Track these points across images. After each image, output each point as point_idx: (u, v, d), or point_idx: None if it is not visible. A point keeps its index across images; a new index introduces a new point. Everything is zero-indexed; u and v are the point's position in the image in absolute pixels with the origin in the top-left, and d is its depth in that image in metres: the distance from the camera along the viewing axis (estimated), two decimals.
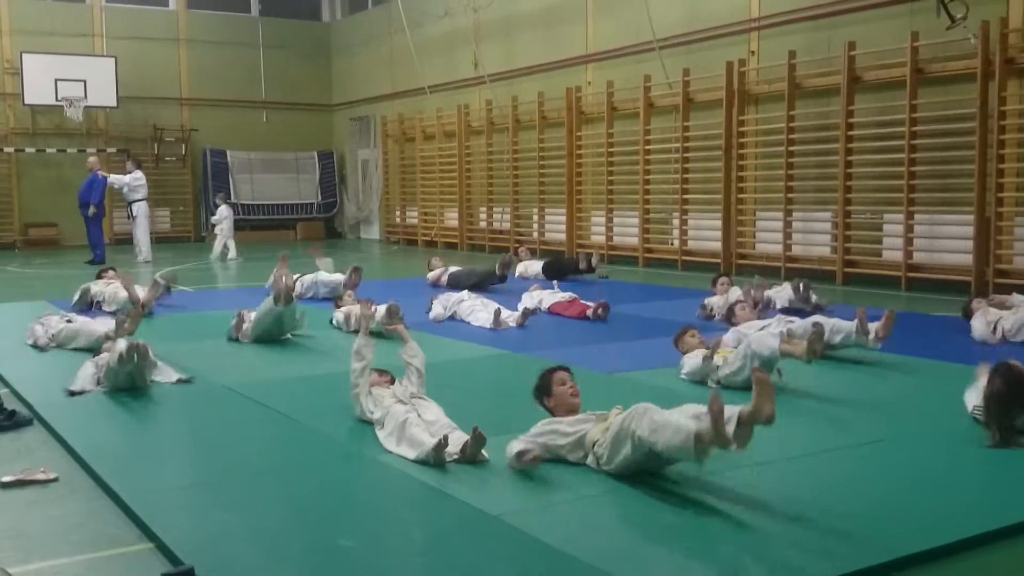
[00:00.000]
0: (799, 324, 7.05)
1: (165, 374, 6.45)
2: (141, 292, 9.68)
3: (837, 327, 6.83)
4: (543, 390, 4.69)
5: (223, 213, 18.46)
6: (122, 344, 6.05)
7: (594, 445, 4.32)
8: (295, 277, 11.56)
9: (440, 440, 4.41)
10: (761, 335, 5.89)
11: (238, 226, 22.94)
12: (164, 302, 10.53)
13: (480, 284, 11.20)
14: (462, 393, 5.64)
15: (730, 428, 3.77)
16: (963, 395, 5.25)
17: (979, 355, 7.20)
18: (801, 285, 9.30)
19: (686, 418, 3.89)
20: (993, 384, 4.72)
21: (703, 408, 3.90)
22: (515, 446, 4.34)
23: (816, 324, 5.75)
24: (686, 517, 3.78)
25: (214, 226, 18.59)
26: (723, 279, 9.85)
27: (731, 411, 3.82)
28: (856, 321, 6.69)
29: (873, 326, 6.75)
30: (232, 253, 17.93)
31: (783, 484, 4.15)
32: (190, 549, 3.53)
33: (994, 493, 4.14)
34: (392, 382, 5.35)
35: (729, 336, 7.05)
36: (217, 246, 18.18)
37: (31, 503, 4.23)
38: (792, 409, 5.54)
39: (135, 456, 4.93)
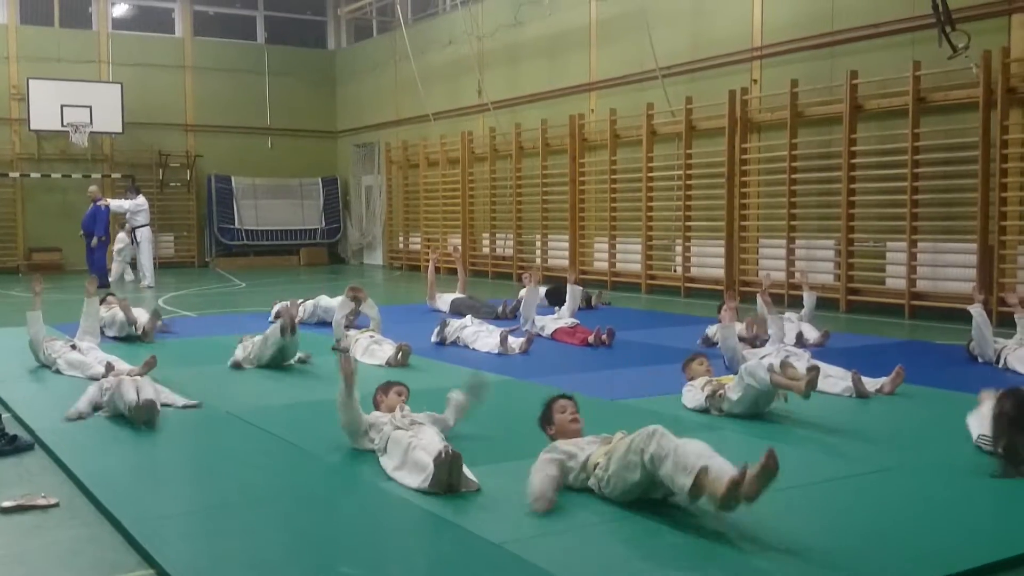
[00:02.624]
0: (796, 361, 7.09)
1: (170, 398, 6.44)
2: (141, 316, 9.85)
3: (836, 380, 6.77)
4: (544, 419, 4.74)
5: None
6: (131, 395, 5.96)
7: (595, 468, 4.30)
8: (298, 302, 11.61)
9: (440, 452, 4.38)
10: (755, 364, 5.88)
11: (242, 251, 23.17)
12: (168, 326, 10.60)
13: (482, 313, 11.19)
14: (467, 420, 5.62)
15: (720, 488, 3.74)
16: (965, 420, 5.23)
17: (981, 381, 7.21)
18: (816, 337, 9.19)
19: (695, 456, 3.86)
20: (1002, 405, 4.70)
21: (708, 451, 3.92)
22: (534, 483, 4.28)
23: (812, 367, 5.70)
24: (688, 546, 3.75)
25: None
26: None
27: (725, 470, 3.80)
28: (851, 382, 6.63)
29: (880, 381, 6.73)
30: (130, 276, 18.47)
31: (787, 513, 4.12)
32: None
33: (999, 523, 4.11)
34: (405, 394, 5.34)
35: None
36: (124, 271, 18.48)
37: (32, 529, 4.22)
38: (795, 438, 5.52)
39: (136, 482, 4.91)
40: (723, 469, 3.80)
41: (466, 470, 4.46)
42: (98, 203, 17.34)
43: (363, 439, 5.15)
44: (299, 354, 8.12)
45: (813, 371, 5.61)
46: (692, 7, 14.70)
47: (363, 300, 9.49)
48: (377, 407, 5.37)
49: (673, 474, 3.85)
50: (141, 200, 17.92)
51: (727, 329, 7.12)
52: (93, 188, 18.07)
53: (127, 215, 17.82)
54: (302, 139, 24.42)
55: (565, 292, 12.82)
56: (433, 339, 9.46)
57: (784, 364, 5.88)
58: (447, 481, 4.35)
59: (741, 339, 8.09)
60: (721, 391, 6.04)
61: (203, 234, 23.54)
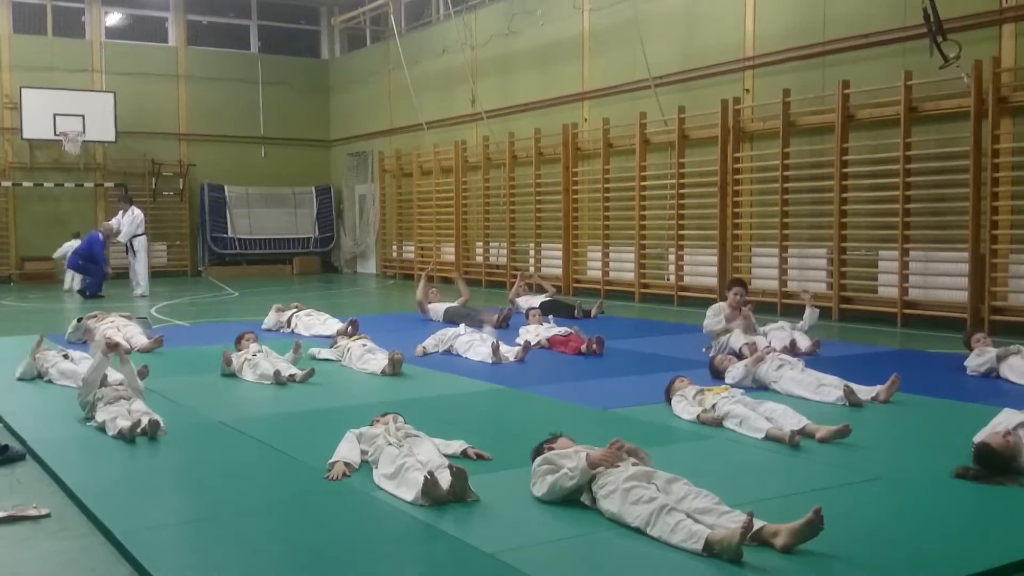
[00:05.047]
0: (790, 370, 7.16)
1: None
2: (139, 334, 9.82)
3: (830, 389, 6.77)
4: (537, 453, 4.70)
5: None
6: (123, 423, 5.88)
7: (590, 482, 4.29)
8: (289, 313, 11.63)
9: (426, 477, 4.37)
10: (754, 419, 5.84)
11: (235, 260, 23.15)
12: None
13: (475, 322, 11.19)
14: (461, 429, 5.62)
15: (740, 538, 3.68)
16: (972, 437, 5.18)
17: (974, 390, 7.22)
18: (807, 346, 9.15)
19: (698, 524, 3.83)
20: (976, 470, 4.76)
21: (721, 507, 3.92)
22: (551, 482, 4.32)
23: (794, 433, 5.69)
24: (682, 555, 3.75)
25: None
26: (738, 289, 9.32)
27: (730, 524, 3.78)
28: (843, 392, 6.64)
29: (875, 389, 6.74)
30: (79, 285, 17.78)
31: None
32: None
33: (991, 531, 4.12)
34: (389, 416, 5.32)
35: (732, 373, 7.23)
36: (74, 279, 18.04)
37: (23, 539, 4.20)
38: (789, 447, 5.52)
39: (128, 492, 4.89)
40: (728, 525, 3.78)
41: None
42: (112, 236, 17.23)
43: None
44: (297, 371, 7.97)
45: (798, 433, 5.59)
46: (684, 17, 14.75)
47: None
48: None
49: (679, 543, 3.80)
50: (139, 213, 17.83)
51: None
52: (107, 224, 17.84)
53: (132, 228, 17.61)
54: (295, 148, 24.42)
55: (560, 305, 12.93)
56: (417, 353, 9.35)
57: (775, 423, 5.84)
58: (434, 500, 4.34)
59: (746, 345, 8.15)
60: (714, 404, 6.06)
61: (196, 243, 23.52)
